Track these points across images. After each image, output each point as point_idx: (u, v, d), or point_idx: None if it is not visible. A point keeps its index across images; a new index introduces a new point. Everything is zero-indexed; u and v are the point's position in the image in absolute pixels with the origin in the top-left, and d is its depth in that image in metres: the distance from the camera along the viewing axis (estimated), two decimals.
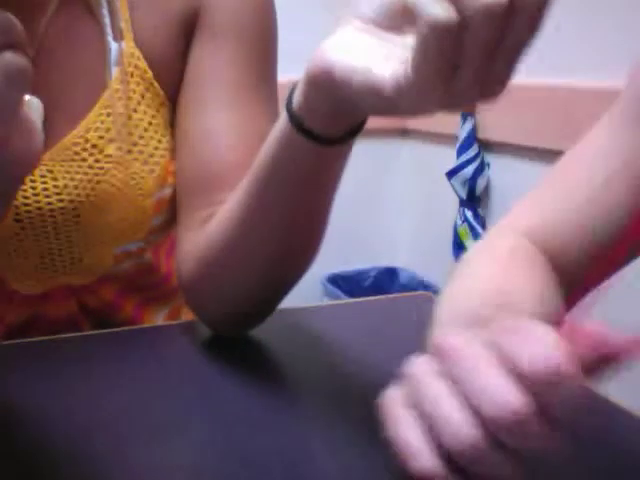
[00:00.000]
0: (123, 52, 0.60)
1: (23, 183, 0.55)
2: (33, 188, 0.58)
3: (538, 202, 0.54)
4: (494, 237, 0.52)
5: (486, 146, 1.70)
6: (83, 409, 0.46)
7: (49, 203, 0.58)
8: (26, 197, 0.58)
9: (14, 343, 0.57)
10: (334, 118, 0.44)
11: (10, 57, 0.33)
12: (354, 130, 0.46)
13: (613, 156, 0.51)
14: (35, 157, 0.38)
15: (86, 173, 0.59)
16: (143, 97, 0.61)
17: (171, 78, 0.63)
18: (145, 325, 0.68)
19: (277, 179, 0.49)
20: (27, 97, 0.58)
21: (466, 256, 0.48)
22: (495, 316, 0.35)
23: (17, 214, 0.58)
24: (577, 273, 0.48)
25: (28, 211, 0.58)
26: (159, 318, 0.71)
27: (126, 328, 0.62)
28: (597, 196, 0.50)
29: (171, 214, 0.64)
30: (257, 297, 0.56)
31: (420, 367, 0.32)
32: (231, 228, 0.53)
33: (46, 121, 0.59)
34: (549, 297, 0.42)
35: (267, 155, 0.49)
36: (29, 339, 0.58)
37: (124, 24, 0.60)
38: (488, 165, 1.70)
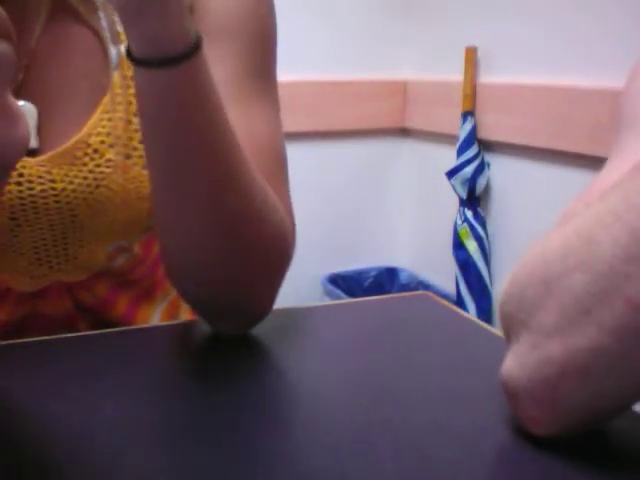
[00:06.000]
0: (123, 56, 0.60)
1: (10, 172, 0.55)
2: (30, 189, 0.58)
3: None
4: None
5: (486, 146, 1.70)
6: (82, 410, 0.46)
7: (45, 204, 0.59)
8: (22, 197, 0.58)
9: (12, 343, 0.57)
10: (137, 37, 0.45)
11: None
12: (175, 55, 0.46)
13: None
14: (21, 145, 0.38)
15: (86, 177, 0.59)
16: None
17: None
18: (144, 325, 0.68)
19: (151, 123, 0.49)
20: (22, 102, 0.59)
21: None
22: None
23: (12, 212, 0.58)
24: None
25: (24, 210, 0.58)
26: (155, 315, 0.71)
27: (125, 328, 0.62)
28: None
29: None
30: (224, 277, 0.55)
31: None
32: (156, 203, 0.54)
33: (45, 125, 0.60)
34: None
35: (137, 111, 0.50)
36: (27, 339, 0.58)
37: (122, 28, 0.60)
38: (488, 165, 1.70)
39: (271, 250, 0.55)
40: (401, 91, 1.99)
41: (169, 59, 0.46)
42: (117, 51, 0.60)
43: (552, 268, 0.40)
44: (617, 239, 0.37)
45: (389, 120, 2.00)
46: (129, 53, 0.47)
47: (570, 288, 0.39)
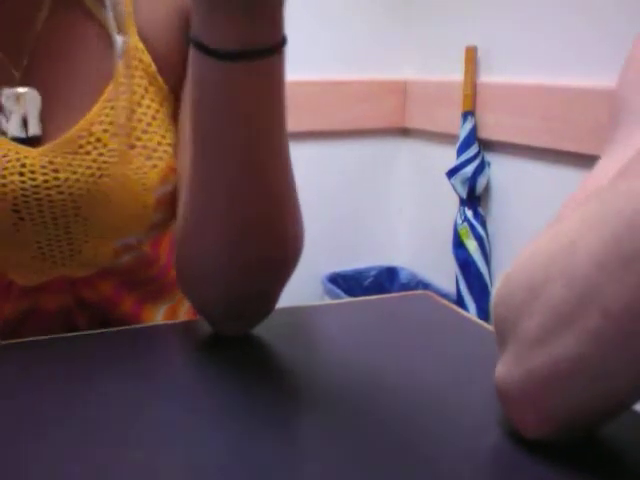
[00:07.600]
0: (128, 45, 0.60)
1: None
2: (33, 179, 0.58)
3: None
4: None
5: (486, 145, 1.70)
6: (82, 409, 0.46)
7: (48, 195, 0.58)
8: (25, 189, 0.58)
9: (11, 343, 0.57)
10: (223, 29, 0.45)
11: None
12: (258, 49, 0.46)
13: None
14: None
15: (89, 167, 0.59)
16: (147, 91, 0.61)
17: (174, 72, 0.62)
18: (145, 324, 0.68)
19: (207, 112, 0.48)
20: (25, 89, 0.59)
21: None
22: None
23: (15, 205, 0.58)
24: None
25: (26, 202, 0.58)
26: (158, 315, 0.71)
27: (126, 327, 0.62)
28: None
29: (172, 211, 0.64)
30: (243, 276, 0.55)
31: None
32: (191, 195, 0.53)
33: (48, 113, 0.60)
34: None
35: (192, 98, 0.49)
36: (27, 339, 0.58)
37: (127, 17, 0.60)
38: (488, 164, 1.70)
39: (288, 249, 0.55)
40: (401, 91, 1.99)
41: (267, 49, 0.46)
42: (122, 40, 0.60)
43: (536, 275, 0.40)
44: (591, 248, 0.37)
45: (389, 120, 2.00)
46: (210, 51, 0.46)
47: (550, 297, 0.39)
